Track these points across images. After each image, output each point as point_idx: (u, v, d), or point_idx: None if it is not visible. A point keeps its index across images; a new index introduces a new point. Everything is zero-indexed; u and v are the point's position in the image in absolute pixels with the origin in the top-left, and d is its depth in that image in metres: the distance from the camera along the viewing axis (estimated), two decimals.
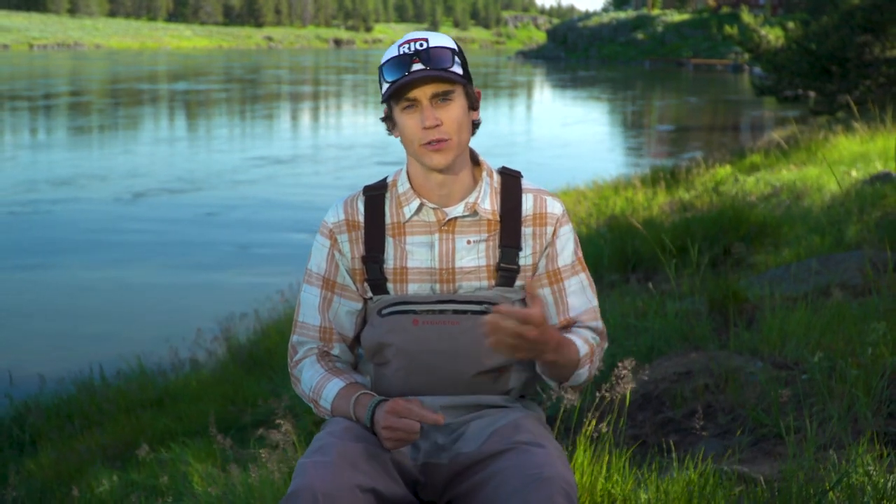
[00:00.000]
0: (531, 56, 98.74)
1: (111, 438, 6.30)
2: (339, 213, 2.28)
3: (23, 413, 7.14)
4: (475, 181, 2.26)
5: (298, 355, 2.33)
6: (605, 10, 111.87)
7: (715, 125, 32.04)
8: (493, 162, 2.34)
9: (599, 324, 2.33)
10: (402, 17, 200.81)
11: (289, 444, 3.81)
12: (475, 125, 2.23)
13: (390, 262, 2.24)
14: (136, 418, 6.71)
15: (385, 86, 2.15)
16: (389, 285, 2.24)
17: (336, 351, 2.31)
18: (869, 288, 5.05)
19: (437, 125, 2.11)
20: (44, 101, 37.87)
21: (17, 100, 38.68)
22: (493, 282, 2.23)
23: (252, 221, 15.37)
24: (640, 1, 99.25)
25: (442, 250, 2.22)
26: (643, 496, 2.72)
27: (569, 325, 2.30)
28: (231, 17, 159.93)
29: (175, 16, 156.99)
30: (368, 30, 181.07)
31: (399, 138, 2.20)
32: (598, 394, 2.99)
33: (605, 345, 2.36)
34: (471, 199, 2.23)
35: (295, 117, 35.10)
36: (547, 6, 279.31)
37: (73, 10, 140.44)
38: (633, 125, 33.68)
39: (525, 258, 2.25)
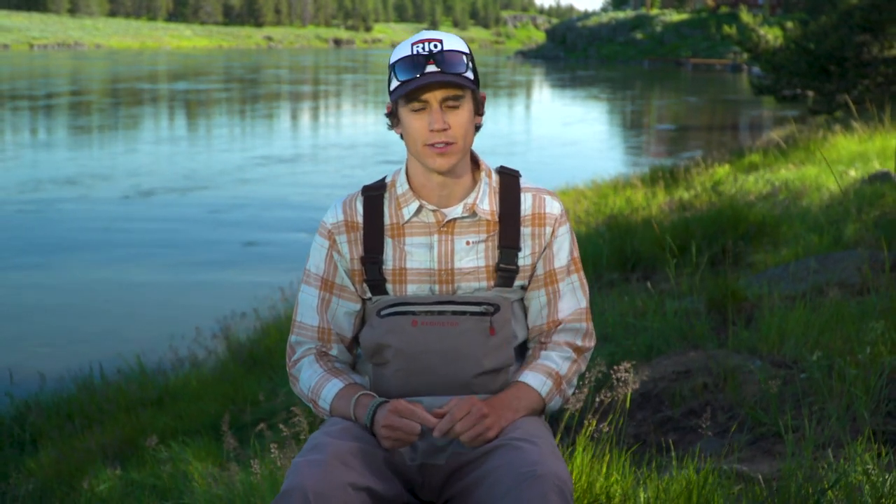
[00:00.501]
0: (530, 56, 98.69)
1: (111, 437, 6.30)
2: (338, 213, 2.28)
3: (23, 412, 7.15)
4: (474, 182, 2.26)
5: (297, 355, 2.33)
6: (604, 9, 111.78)
7: (714, 125, 32.04)
8: (492, 161, 2.34)
9: (583, 325, 2.33)
10: (401, 16, 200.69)
11: (288, 442, 3.82)
12: (477, 128, 2.22)
13: (389, 263, 2.23)
14: (137, 417, 6.71)
15: (395, 83, 2.13)
16: (388, 286, 2.24)
17: (334, 351, 2.32)
18: (867, 287, 5.06)
19: (445, 129, 2.10)
20: (44, 101, 37.85)
21: (18, 99, 38.67)
22: (492, 282, 2.23)
23: (252, 220, 15.37)
24: (639, 1, 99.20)
25: (441, 251, 2.22)
26: (642, 495, 2.73)
27: (555, 327, 2.31)
28: (231, 17, 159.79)
29: (175, 16, 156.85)
30: (368, 29, 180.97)
31: (400, 134, 2.20)
32: (598, 398, 3.00)
33: (591, 345, 2.36)
34: (469, 199, 2.23)
35: (295, 117, 35.10)
36: (546, 6, 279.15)
37: (73, 10, 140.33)
38: (632, 125, 33.67)
39: (524, 258, 2.25)
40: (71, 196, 17.31)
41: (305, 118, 34.68)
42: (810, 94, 21.06)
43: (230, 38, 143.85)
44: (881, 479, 2.63)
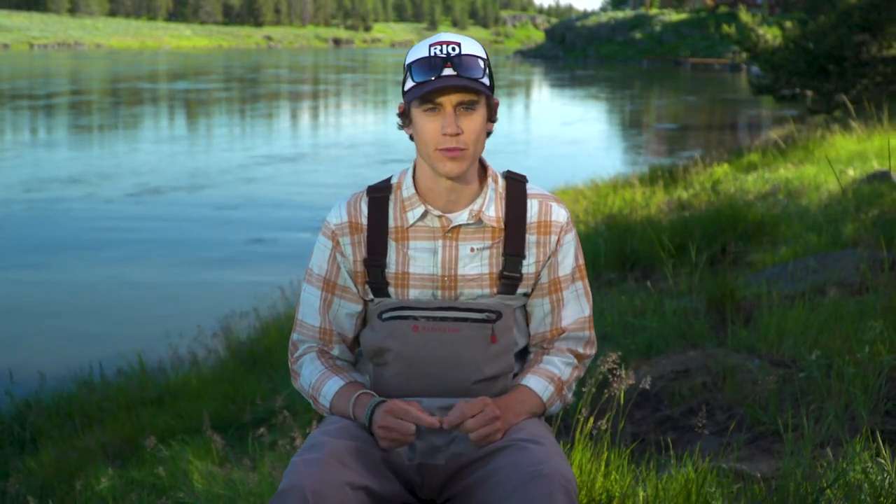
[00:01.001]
0: (529, 55, 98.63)
1: (111, 436, 6.30)
2: (342, 214, 2.26)
3: (23, 411, 7.14)
4: (481, 187, 2.24)
5: (299, 352, 2.34)
6: (603, 9, 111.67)
7: (713, 124, 32.03)
8: (492, 162, 2.32)
9: (586, 333, 2.34)
10: (400, 16, 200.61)
11: (288, 441, 3.83)
12: (487, 134, 2.20)
13: (392, 267, 2.22)
14: (137, 416, 6.71)
15: (410, 83, 2.11)
16: (391, 289, 2.23)
17: (336, 351, 2.32)
18: (866, 286, 5.06)
19: (458, 134, 2.08)
20: (45, 101, 37.81)
21: (19, 99, 38.64)
22: (494, 290, 2.22)
23: (253, 220, 15.36)
24: (638, 0, 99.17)
25: (445, 257, 2.21)
26: (641, 494, 2.73)
27: (558, 335, 2.32)
28: (231, 17, 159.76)
29: (175, 15, 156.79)
30: (367, 29, 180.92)
31: (410, 135, 2.18)
32: (594, 390, 3.01)
33: (593, 353, 2.37)
34: (475, 206, 2.21)
35: (295, 116, 35.07)
36: (545, 5, 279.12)
37: (73, 10, 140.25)
38: (631, 124, 33.66)
39: (528, 266, 2.24)
40: (71, 195, 17.30)
41: (306, 117, 34.64)
42: (809, 93, 21.08)
43: (230, 37, 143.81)
44: (880, 477, 2.64)
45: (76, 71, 63.02)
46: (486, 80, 2.11)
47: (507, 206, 2.24)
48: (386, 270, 2.22)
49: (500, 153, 22.07)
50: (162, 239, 13.86)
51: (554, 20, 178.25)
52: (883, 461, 2.76)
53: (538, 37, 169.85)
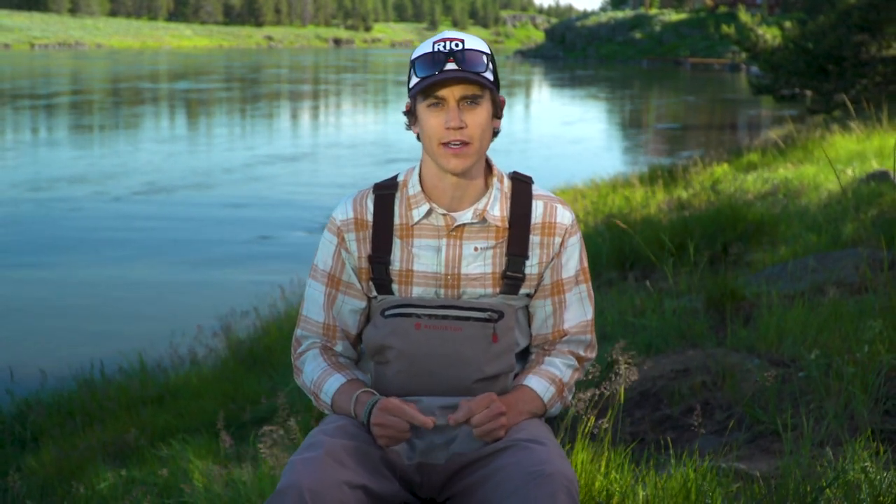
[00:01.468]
0: (529, 55, 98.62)
1: (112, 435, 6.30)
2: (349, 210, 2.26)
3: (24, 410, 7.15)
4: (486, 186, 2.24)
5: (302, 347, 2.34)
6: (602, 9, 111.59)
7: (712, 124, 32.03)
8: (494, 162, 2.33)
9: (588, 337, 2.35)
10: (401, 16, 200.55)
11: (288, 441, 3.83)
12: (495, 133, 2.21)
13: (396, 264, 2.23)
14: (137, 415, 6.72)
15: (415, 80, 2.12)
16: (394, 286, 2.23)
17: (339, 348, 2.32)
18: (865, 286, 5.07)
19: (462, 127, 2.09)
20: (46, 101, 37.81)
21: (20, 99, 38.64)
22: (497, 289, 2.23)
23: (253, 219, 15.37)
24: (638, 0, 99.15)
25: (449, 256, 2.21)
26: (641, 493, 2.73)
27: (560, 338, 2.32)
28: (231, 17, 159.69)
29: (175, 15, 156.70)
30: (368, 29, 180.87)
31: (418, 134, 2.18)
32: (596, 391, 3.01)
33: (593, 356, 2.38)
34: (480, 205, 2.21)
35: (296, 116, 35.07)
36: (545, 5, 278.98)
37: (74, 10, 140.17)
38: (631, 124, 33.67)
39: (531, 267, 2.25)
40: (72, 195, 17.30)
41: (306, 117, 34.65)
42: (808, 93, 21.08)
43: (230, 37, 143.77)
44: (879, 477, 2.64)
45: (77, 71, 63.01)
46: (489, 75, 2.12)
47: (512, 207, 2.24)
48: (390, 267, 2.23)
49: (500, 153, 22.06)
50: (162, 238, 13.87)
51: (554, 20, 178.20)
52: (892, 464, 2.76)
53: (538, 37, 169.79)
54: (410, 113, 2.19)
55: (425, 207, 2.21)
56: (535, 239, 2.24)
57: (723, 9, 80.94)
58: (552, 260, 2.27)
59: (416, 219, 2.22)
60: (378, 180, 2.32)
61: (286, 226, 14.82)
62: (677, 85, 53.83)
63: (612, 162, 20.93)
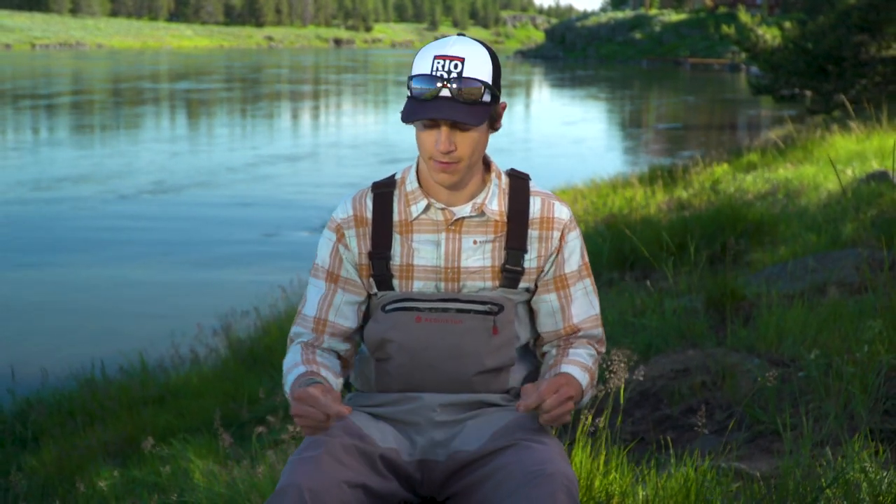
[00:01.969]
0: (530, 55, 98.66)
1: (113, 435, 6.31)
2: (348, 208, 2.28)
3: (25, 409, 7.16)
4: (484, 182, 2.26)
5: (290, 345, 2.33)
6: (602, 9, 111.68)
7: (712, 124, 32.03)
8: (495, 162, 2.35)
9: (599, 331, 2.35)
10: (401, 16, 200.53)
11: (289, 440, 3.84)
12: (494, 130, 2.20)
13: (397, 259, 2.24)
14: (138, 415, 6.72)
15: (410, 92, 2.11)
16: (395, 282, 2.24)
17: (325, 343, 2.29)
18: (865, 286, 5.08)
19: (451, 151, 2.10)
20: (47, 101, 37.82)
21: (21, 99, 38.64)
22: (496, 283, 2.24)
23: (254, 219, 15.37)
24: (638, 1, 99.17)
25: (448, 249, 2.23)
26: (641, 493, 2.74)
27: (572, 333, 2.32)
28: (232, 17, 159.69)
29: (176, 15, 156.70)
30: (368, 29, 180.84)
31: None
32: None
33: (603, 350, 2.37)
34: (478, 199, 2.23)
35: (297, 116, 35.07)
36: (545, 6, 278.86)
37: (74, 10, 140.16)
38: (631, 124, 33.67)
39: (530, 261, 2.26)
40: (74, 195, 17.31)
41: (307, 117, 34.64)
42: (808, 93, 21.08)
43: (231, 37, 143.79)
44: (879, 476, 2.64)
45: (78, 71, 63.01)
46: (487, 98, 2.10)
47: (510, 202, 2.26)
48: (391, 262, 2.24)
49: (501, 152, 22.06)
50: (163, 238, 13.88)
51: (554, 20, 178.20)
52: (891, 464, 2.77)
53: (538, 37, 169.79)
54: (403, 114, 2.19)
55: (423, 203, 2.23)
56: (533, 233, 2.26)
57: (723, 9, 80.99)
58: (552, 255, 2.28)
59: (414, 214, 2.23)
60: (376, 180, 2.34)
61: (287, 225, 14.83)
62: (677, 85, 53.84)
63: (612, 162, 20.93)
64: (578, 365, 2.25)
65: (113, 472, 5.11)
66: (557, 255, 2.28)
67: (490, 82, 2.10)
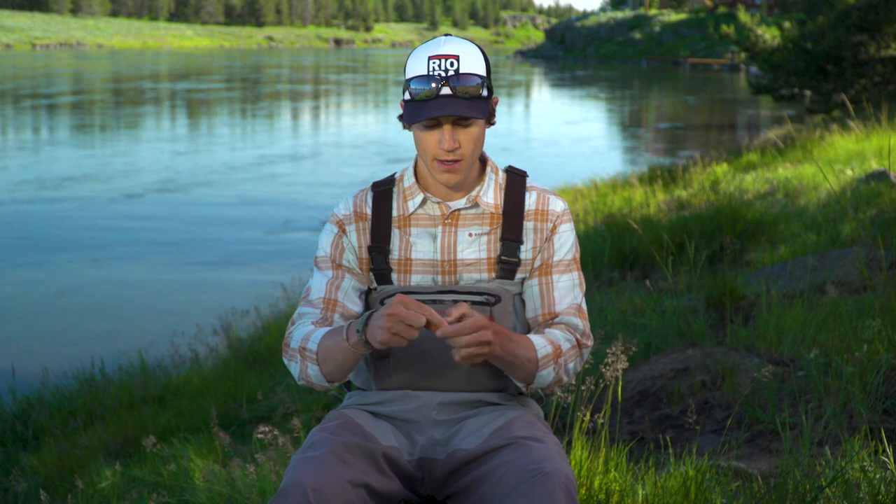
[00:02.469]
0: (529, 55, 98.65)
1: (113, 434, 6.31)
2: (349, 205, 2.32)
3: (26, 409, 7.15)
4: (481, 178, 2.30)
5: (295, 324, 2.28)
6: (602, 9, 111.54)
7: (712, 124, 32.01)
8: (495, 161, 2.37)
9: (580, 322, 2.29)
10: (401, 16, 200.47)
11: (290, 439, 3.84)
12: (490, 124, 2.23)
13: (395, 253, 2.28)
14: (138, 414, 6.72)
15: (408, 96, 2.13)
16: (394, 275, 2.28)
17: (336, 324, 2.25)
18: (864, 285, 5.09)
19: (456, 148, 2.13)
20: (47, 101, 37.80)
21: (22, 99, 38.64)
22: (493, 274, 2.26)
23: (254, 219, 15.37)
24: (638, 1, 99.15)
25: (444, 242, 2.26)
26: (640, 491, 2.75)
27: (551, 319, 2.29)
28: (232, 17, 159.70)
29: (176, 16, 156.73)
30: (368, 29, 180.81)
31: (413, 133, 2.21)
32: (589, 385, 3.02)
33: (590, 344, 2.31)
34: (473, 192, 2.26)
35: (297, 116, 35.05)
36: (545, 6, 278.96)
37: (75, 10, 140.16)
38: (630, 124, 33.66)
39: (526, 252, 2.28)
40: (74, 194, 17.31)
41: (307, 117, 34.63)
42: (808, 93, 21.10)
43: (231, 38, 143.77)
44: (878, 476, 2.65)
45: (79, 71, 63.00)
46: (484, 93, 2.13)
47: (506, 196, 2.29)
48: (389, 256, 2.28)
49: (501, 152, 22.08)
50: (163, 237, 13.87)
51: (554, 20, 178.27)
52: (887, 460, 2.77)
53: (538, 37, 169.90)
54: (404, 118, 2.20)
55: (420, 197, 2.27)
56: (528, 225, 2.28)
57: (722, 9, 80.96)
58: (545, 243, 2.29)
59: (412, 209, 2.28)
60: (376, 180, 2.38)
61: (287, 225, 14.83)
62: (676, 85, 53.83)
63: (612, 162, 20.93)
64: (545, 338, 2.20)
65: (113, 471, 5.11)
66: (547, 243, 2.29)
67: (485, 76, 2.14)
